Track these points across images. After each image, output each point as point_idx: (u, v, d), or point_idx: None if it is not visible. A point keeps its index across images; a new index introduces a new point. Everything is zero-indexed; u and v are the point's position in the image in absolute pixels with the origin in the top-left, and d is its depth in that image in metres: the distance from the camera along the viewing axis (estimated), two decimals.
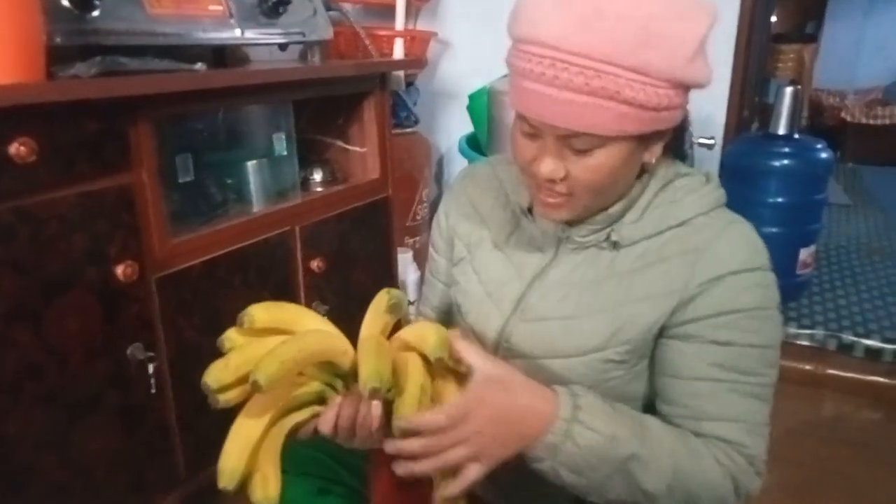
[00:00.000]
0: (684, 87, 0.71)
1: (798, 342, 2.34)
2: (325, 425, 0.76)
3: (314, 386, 0.78)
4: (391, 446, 0.72)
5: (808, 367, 2.23)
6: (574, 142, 0.71)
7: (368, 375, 0.70)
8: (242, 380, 0.74)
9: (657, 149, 0.77)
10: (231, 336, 0.80)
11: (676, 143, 0.84)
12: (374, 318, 0.82)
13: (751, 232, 0.79)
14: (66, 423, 1.19)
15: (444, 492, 0.73)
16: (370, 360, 0.71)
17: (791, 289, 2.52)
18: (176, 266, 1.36)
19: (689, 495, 0.73)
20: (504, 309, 0.86)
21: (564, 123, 0.70)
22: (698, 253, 0.76)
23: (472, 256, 0.93)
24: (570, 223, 0.82)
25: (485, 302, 0.88)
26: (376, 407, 0.74)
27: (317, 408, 0.79)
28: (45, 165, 1.08)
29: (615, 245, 0.81)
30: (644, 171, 0.80)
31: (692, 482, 0.73)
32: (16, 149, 1.03)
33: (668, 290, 0.76)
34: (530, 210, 0.87)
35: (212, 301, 1.44)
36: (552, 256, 0.85)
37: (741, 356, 0.75)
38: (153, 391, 1.33)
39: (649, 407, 0.82)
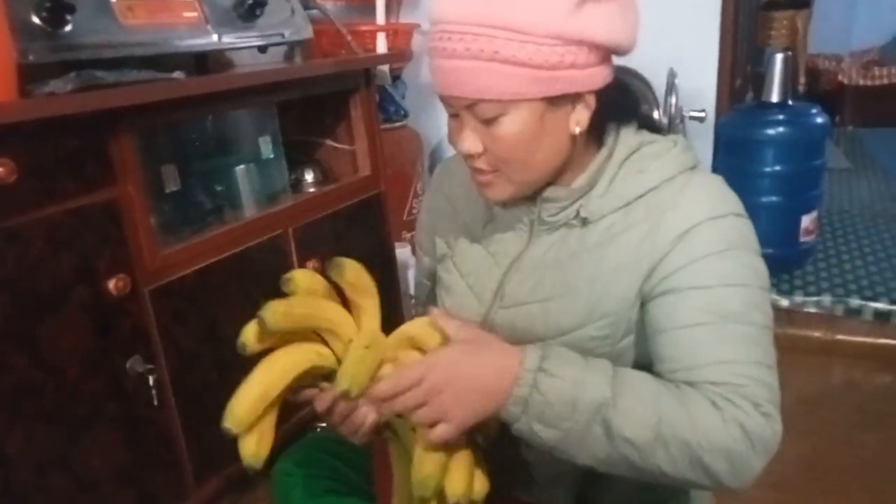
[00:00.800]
0: (584, 45, 0.69)
1: (805, 310, 2.32)
2: (321, 406, 0.78)
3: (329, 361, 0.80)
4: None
5: (816, 335, 2.21)
6: (478, 111, 0.72)
7: (341, 376, 0.74)
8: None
9: (583, 117, 0.75)
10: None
11: (631, 110, 0.83)
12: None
13: (715, 180, 0.77)
14: (69, 441, 1.19)
15: (421, 459, 0.74)
16: (347, 364, 0.75)
17: (795, 257, 2.50)
18: (169, 276, 1.35)
19: (686, 445, 0.67)
20: (485, 299, 0.85)
21: (458, 92, 0.71)
22: (662, 211, 0.75)
23: (452, 252, 0.92)
24: (534, 201, 0.81)
25: (466, 295, 0.88)
26: (368, 416, 0.78)
27: (324, 385, 0.80)
28: (27, 184, 1.08)
29: (584, 221, 0.79)
30: (598, 141, 0.79)
31: (684, 430, 0.67)
32: None
33: (638, 255, 0.75)
34: None
35: (208, 309, 1.44)
36: (527, 240, 0.84)
37: (720, 297, 0.72)
38: (155, 403, 1.33)
39: None
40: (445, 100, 0.75)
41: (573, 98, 0.73)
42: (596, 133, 0.79)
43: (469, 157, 0.76)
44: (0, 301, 1.07)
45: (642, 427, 0.67)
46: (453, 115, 0.76)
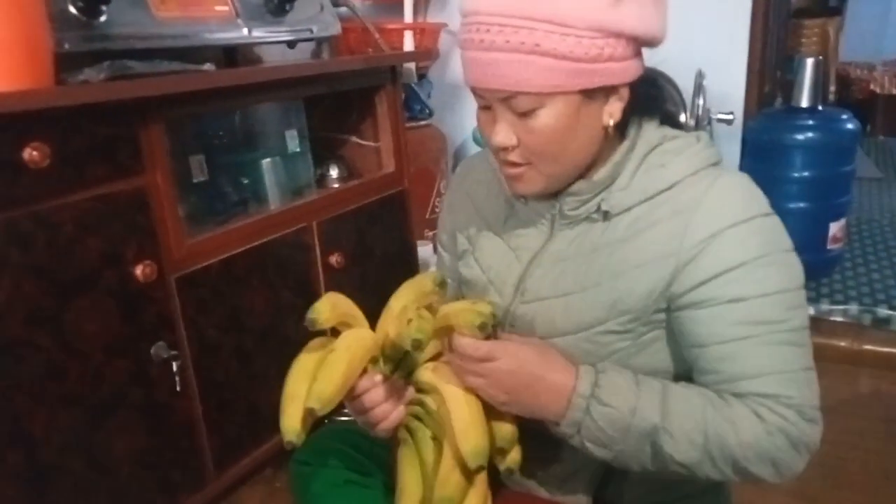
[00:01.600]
0: (622, 37, 0.70)
1: (832, 318, 2.27)
2: (363, 385, 0.81)
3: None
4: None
5: (843, 344, 2.17)
6: (514, 104, 0.72)
7: (410, 329, 0.76)
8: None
9: (616, 109, 0.75)
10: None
11: (656, 104, 0.82)
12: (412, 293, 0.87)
13: (742, 180, 0.76)
14: (91, 424, 1.21)
15: (447, 477, 0.78)
16: (413, 322, 0.77)
17: (822, 264, 2.46)
18: (194, 265, 1.37)
19: (732, 459, 0.71)
20: (506, 294, 0.85)
21: (496, 84, 0.71)
22: (690, 211, 0.74)
23: (473, 248, 0.92)
24: (556, 196, 0.81)
25: (487, 289, 0.88)
26: (394, 413, 0.81)
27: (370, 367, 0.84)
28: (59, 170, 1.10)
29: (606, 215, 0.79)
30: (620, 134, 0.79)
31: (731, 446, 0.70)
32: (29, 154, 1.04)
33: (663, 253, 0.74)
34: None
35: (232, 299, 1.46)
36: (548, 235, 0.84)
37: (759, 307, 0.72)
38: (178, 389, 1.34)
39: (679, 380, 0.80)
40: (479, 92, 0.74)
41: (608, 91, 0.73)
42: (620, 126, 0.79)
43: (502, 150, 0.76)
44: (29, 284, 1.09)
45: (690, 448, 0.71)
46: (485, 108, 0.76)
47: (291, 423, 0.78)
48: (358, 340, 0.82)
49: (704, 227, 0.73)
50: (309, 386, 0.78)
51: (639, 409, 0.71)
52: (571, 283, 0.79)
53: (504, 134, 0.74)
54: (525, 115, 0.72)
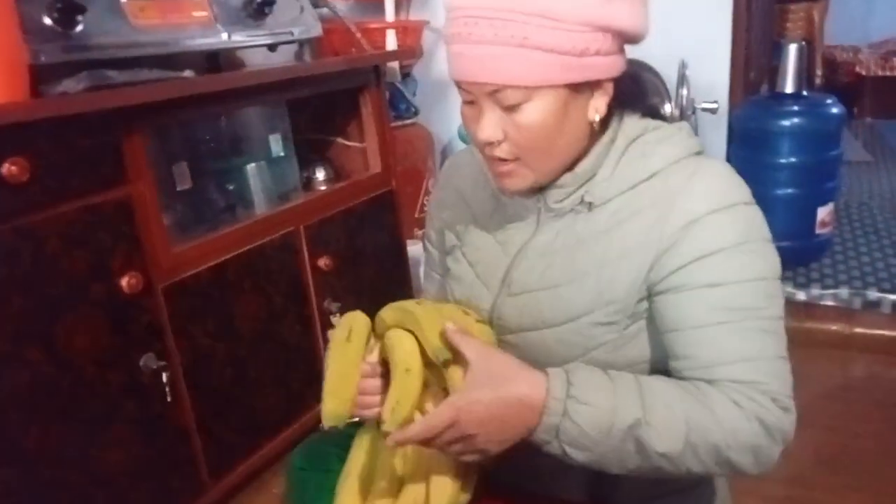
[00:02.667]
0: (610, 32, 0.70)
1: (823, 303, 2.28)
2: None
3: None
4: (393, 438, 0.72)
5: (834, 328, 2.18)
6: (501, 98, 0.71)
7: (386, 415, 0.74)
8: None
9: (601, 104, 0.75)
10: None
11: (639, 99, 0.82)
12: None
13: (723, 168, 0.76)
14: (85, 437, 1.20)
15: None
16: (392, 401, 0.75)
17: (812, 249, 2.47)
18: (182, 274, 1.37)
19: (714, 448, 0.70)
20: (493, 287, 0.85)
21: (483, 78, 0.70)
22: (671, 199, 0.74)
23: (461, 243, 0.92)
24: (542, 190, 0.81)
25: (475, 284, 0.88)
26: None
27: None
28: (40, 183, 1.09)
29: (590, 206, 0.79)
30: (602, 127, 0.78)
31: (712, 434, 0.69)
32: (7, 169, 1.04)
33: (645, 242, 0.75)
34: None
35: (222, 306, 1.45)
36: (534, 228, 0.84)
37: (736, 294, 0.72)
38: (169, 399, 1.34)
39: (654, 370, 0.80)
40: (465, 87, 0.73)
41: (593, 85, 0.73)
42: (603, 119, 0.79)
43: (488, 146, 0.75)
44: (16, 299, 1.08)
45: (674, 440, 0.69)
46: (469, 103, 0.75)
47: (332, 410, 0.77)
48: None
49: (684, 213, 0.73)
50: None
51: (619, 405, 0.70)
52: (559, 274, 0.80)
53: (490, 129, 0.73)
54: (512, 109, 0.71)
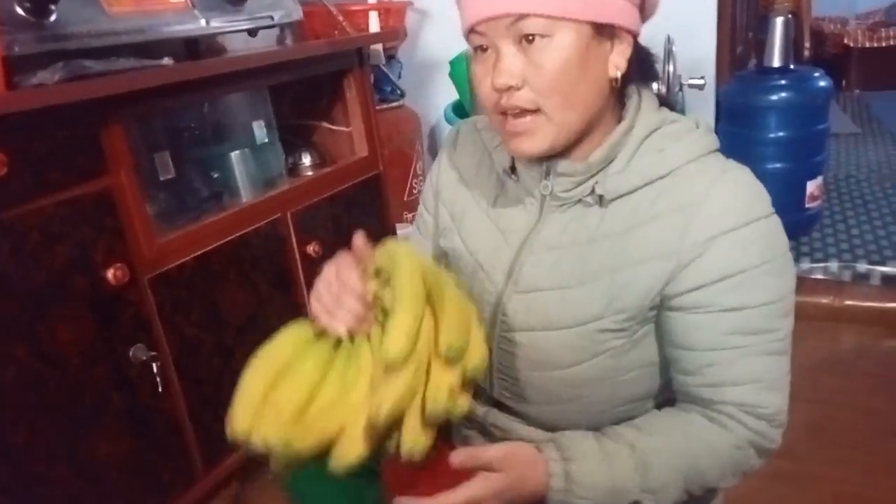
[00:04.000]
0: None
1: (813, 276, 2.30)
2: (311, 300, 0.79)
3: None
4: None
5: (824, 301, 2.20)
6: (522, 27, 0.68)
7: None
8: None
9: (621, 60, 0.73)
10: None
11: (651, 74, 0.81)
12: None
13: (747, 177, 0.73)
14: (74, 432, 1.19)
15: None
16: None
17: (801, 223, 2.47)
18: (168, 264, 1.35)
19: (707, 483, 0.76)
20: (497, 280, 0.82)
21: (506, 7, 0.67)
22: (692, 209, 0.71)
23: (458, 226, 0.89)
24: (547, 175, 0.78)
25: (478, 273, 0.85)
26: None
27: None
28: (18, 177, 1.08)
29: (601, 200, 0.76)
30: (616, 104, 0.76)
31: (710, 473, 0.75)
32: None
33: (663, 251, 0.72)
34: (513, 170, 0.83)
35: (209, 295, 1.44)
36: (537, 217, 0.80)
37: (755, 317, 0.72)
38: (160, 390, 1.33)
39: (663, 371, 0.80)
40: (482, 28, 0.70)
41: (614, 35, 0.72)
42: (619, 101, 0.77)
43: (506, 93, 0.71)
44: None
45: (672, 494, 0.75)
46: (483, 51, 0.72)
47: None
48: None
49: (707, 227, 0.70)
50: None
51: (616, 487, 0.72)
52: (568, 275, 0.77)
53: (509, 72, 0.69)
54: (533, 43, 0.68)
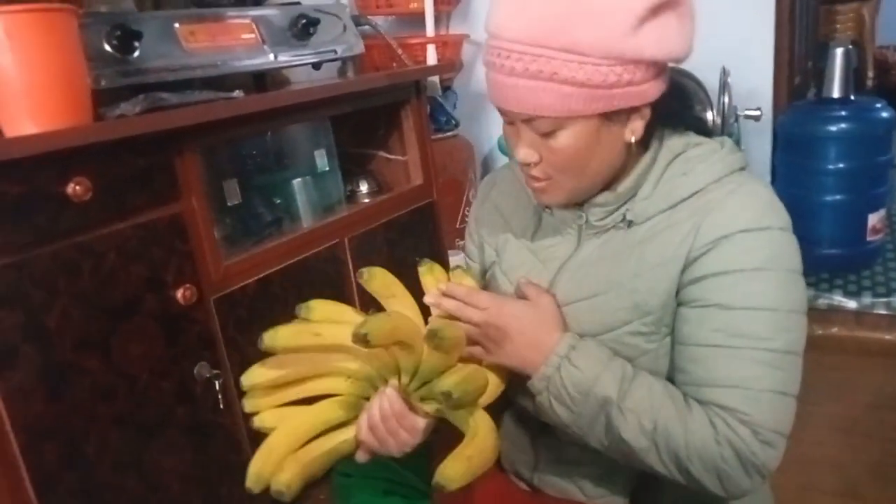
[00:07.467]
0: (641, 62, 0.70)
1: (875, 311, 2.22)
2: (361, 429, 0.85)
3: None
4: (430, 298, 0.87)
5: (888, 338, 2.12)
6: (535, 125, 0.74)
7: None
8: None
9: (638, 126, 0.76)
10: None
11: (685, 116, 0.84)
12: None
13: (764, 191, 0.77)
14: (141, 443, 1.25)
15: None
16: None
17: (863, 256, 2.41)
18: (232, 286, 1.42)
19: (675, 455, 0.72)
20: None
21: (517, 108, 0.73)
22: (706, 211, 0.75)
23: (500, 259, 0.94)
24: (581, 206, 0.83)
25: None
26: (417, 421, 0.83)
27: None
28: (100, 202, 1.15)
29: (630, 224, 0.81)
30: (642, 145, 0.79)
31: (675, 441, 0.72)
32: (72, 189, 1.10)
33: (678, 252, 0.76)
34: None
35: (269, 317, 1.48)
36: (575, 245, 0.86)
37: (743, 320, 0.72)
38: (221, 407, 1.38)
39: None
40: (502, 111, 0.77)
41: (629, 111, 0.75)
42: (644, 137, 0.80)
43: (525, 165, 0.79)
44: (76, 311, 1.14)
45: (638, 432, 0.73)
46: (510, 123, 0.78)
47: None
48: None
49: (716, 227, 0.74)
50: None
51: (601, 379, 0.75)
52: (595, 284, 0.81)
53: (526, 151, 0.77)
54: (546, 135, 0.74)
